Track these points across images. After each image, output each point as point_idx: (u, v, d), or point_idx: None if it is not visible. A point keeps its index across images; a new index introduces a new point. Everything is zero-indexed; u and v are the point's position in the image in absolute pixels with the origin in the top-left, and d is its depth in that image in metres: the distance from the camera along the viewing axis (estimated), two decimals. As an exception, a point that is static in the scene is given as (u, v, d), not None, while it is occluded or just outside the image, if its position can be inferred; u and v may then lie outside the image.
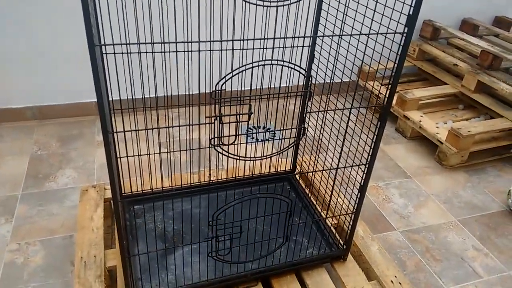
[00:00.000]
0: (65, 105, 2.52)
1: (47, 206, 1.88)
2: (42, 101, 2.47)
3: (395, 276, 1.52)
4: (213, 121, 0.98)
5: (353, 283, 1.47)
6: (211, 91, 0.92)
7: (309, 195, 1.79)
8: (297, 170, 1.91)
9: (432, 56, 2.90)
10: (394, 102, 2.71)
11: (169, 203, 1.69)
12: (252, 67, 0.94)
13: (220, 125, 1.00)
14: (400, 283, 1.49)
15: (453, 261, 1.79)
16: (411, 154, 2.54)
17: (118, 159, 1.58)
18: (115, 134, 1.44)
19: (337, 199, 1.63)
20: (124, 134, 1.18)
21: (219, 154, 1.40)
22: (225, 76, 0.93)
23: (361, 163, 1.33)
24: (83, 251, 1.50)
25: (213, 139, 1.03)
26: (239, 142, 1.11)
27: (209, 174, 1.92)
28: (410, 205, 2.11)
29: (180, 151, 1.58)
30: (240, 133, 1.34)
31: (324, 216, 1.61)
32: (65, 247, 1.68)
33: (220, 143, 1.05)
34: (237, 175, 1.82)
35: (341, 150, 1.41)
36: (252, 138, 2.49)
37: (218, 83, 0.93)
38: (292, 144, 1.20)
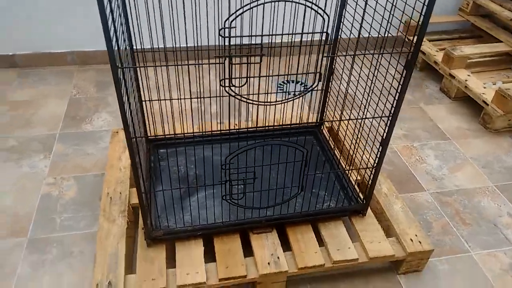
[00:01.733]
0: (104, 51, 2.58)
1: (83, 146, 1.98)
2: (81, 47, 2.55)
3: (416, 235, 1.47)
4: (222, 61, 0.95)
5: (370, 238, 1.45)
6: (219, 28, 0.89)
7: (334, 149, 1.75)
8: (324, 123, 1.86)
9: (488, 11, 2.65)
10: (440, 59, 2.54)
11: (192, 149, 1.72)
12: (265, 3, 0.89)
13: (230, 65, 0.98)
14: (420, 242, 1.45)
15: (484, 227, 1.70)
16: (453, 115, 2.39)
17: (144, 102, 1.62)
18: (144, 80, 1.46)
19: (363, 154, 1.57)
20: (146, 75, 1.19)
21: (248, 105, 1.38)
22: (235, 12, 0.89)
23: (383, 115, 1.27)
24: (110, 187, 1.58)
25: (223, 80, 1.01)
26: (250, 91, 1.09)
27: (235, 124, 1.92)
28: (445, 167, 2.00)
29: (204, 97, 1.58)
30: (271, 88, 1.31)
31: (345, 169, 1.57)
32: (96, 184, 1.78)
33: (230, 84, 1.03)
34: (264, 127, 1.80)
35: (367, 101, 1.34)
36: (283, 92, 2.44)
37: (227, 19, 0.90)
38: (314, 88, 1.15)
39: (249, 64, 0.99)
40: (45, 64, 2.55)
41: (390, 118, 1.26)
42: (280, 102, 1.14)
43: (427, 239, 1.47)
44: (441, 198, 1.83)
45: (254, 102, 1.08)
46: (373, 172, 1.41)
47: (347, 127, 1.63)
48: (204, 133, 1.75)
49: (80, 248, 1.52)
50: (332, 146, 1.75)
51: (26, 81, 2.43)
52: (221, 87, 1.01)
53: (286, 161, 1.25)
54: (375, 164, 1.39)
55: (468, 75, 2.38)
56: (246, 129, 1.80)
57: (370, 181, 1.43)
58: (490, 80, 2.39)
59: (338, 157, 1.68)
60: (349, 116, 1.46)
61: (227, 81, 1.01)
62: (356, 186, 1.59)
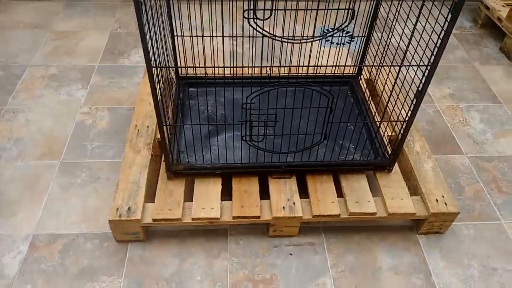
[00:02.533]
0: (147, -13, 2.55)
1: (118, 79, 2.02)
2: (126, -19, 2.53)
3: (442, 196, 1.40)
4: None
5: (392, 194, 1.40)
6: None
7: (369, 101, 1.66)
8: (363, 72, 1.76)
9: None
10: (504, 15, 2.29)
11: (222, 90, 1.70)
12: None
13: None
14: (445, 204, 1.38)
15: (521, 197, 1.59)
16: (510, 78, 2.18)
17: (176, 37, 1.59)
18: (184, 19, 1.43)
19: (396, 106, 1.48)
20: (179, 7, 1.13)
21: (286, 50, 1.31)
22: None
23: (421, 63, 1.17)
24: (138, 120, 1.61)
25: (246, 11, 0.95)
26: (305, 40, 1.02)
27: (268, 69, 1.86)
28: (489, 132, 1.86)
29: (236, 36, 1.53)
30: (315, 34, 1.23)
31: (376, 122, 1.50)
32: (127, 116, 1.82)
33: (255, 16, 0.97)
34: (298, 73, 1.74)
35: (407, 49, 1.24)
36: (327, 40, 2.32)
37: None
38: (355, 36, 1.07)
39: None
40: (90, -4, 2.58)
41: (428, 67, 1.16)
42: (307, 39, 1.07)
43: (454, 201, 1.39)
44: (478, 163, 1.72)
45: (277, 38, 1.02)
46: (403, 126, 1.33)
47: (386, 79, 1.52)
48: (235, 75, 1.72)
49: (107, 175, 1.59)
50: (368, 98, 1.66)
51: (71, 12, 2.47)
52: (244, 19, 0.96)
53: (310, 106, 1.20)
54: (406, 118, 1.30)
55: (534, 34, 2.13)
56: (278, 75, 1.74)
57: (400, 135, 1.35)
58: (558, 40, 2.13)
59: (373, 110, 1.60)
60: (389, 68, 1.36)
61: (251, 12, 0.96)
62: (386, 141, 1.51)
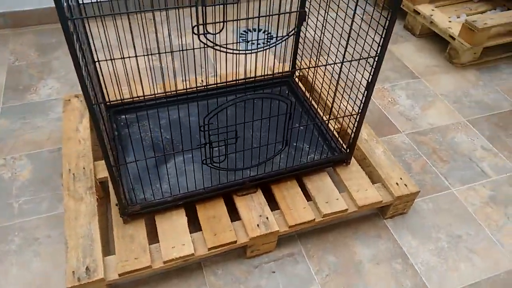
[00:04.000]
0: (39, 10, 2.27)
1: (31, 119, 1.76)
2: (13, 6, 2.22)
3: (401, 178, 1.45)
4: (194, 3, 0.80)
5: (356, 186, 1.41)
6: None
7: (310, 99, 1.66)
8: (297, 71, 1.75)
9: None
10: (403, -5, 2.45)
11: (159, 111, 1.57)
12: None
13: (204, 8, 0.83)
14: (405, 185, 1.43)
15: (460, 162, 1.72)
16: (419, 53, 2.35)
17: (97, 63, 1.43)
18: (96, 39, 1.27)
19: (340, 101, 1.50)
20: (97, 29, 1.00)
21: (214, 59, 1.23)
22: None
23: (369, 56, 1.18)
24: (71, 163, 1.42)
25: (196, 27, 0.86)
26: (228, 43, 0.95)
27: (202, 80, 1.77)
28: (417, 107, 1.98)
29: (164, 53, 1.41)
30: (233, 39, 1.17)
31: (326, 119, 1.50)
32: (53, 160, 1.60)
33: (205, 31, 0.88)
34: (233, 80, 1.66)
35: (340, 44, 1.24)
36: (247, 42, 2.29)
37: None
38: (292, 33, 1.03)
39: (225, 6, 0.84)
40: (-29, 29, 2.22)
41: (376, 59, 1.17)
42: (255, 50, 1.01)
43: (412, 181, 1.45)
44: (416, 138, 1.82)
45: (228, 51, 0.94)
46: (357, 120, 1.33)
47: (324, 75, 1.53)
48: (168, 93, 1.59)
49: (46, 233, 1.37)
50: (308, 96, 1.66)
51: (-50, 50, 2.11)
52: (194, 35, 0.87)
53: (270, 116, 1.15)
54: (359, 111, 1.31)
55: (433, 10, 2.32)
56: (215, 85, 1.66)
57: (354, 129, 1.36)
58: (454, 13, 2.35)
59: (316, 107, 1.59)
60: (326, 62, 1.36)
61: (201, 27, 0.86)
62: (337, 136, 1.52)
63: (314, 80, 1.70)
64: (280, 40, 0.99)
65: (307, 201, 1.36)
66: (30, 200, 1.46)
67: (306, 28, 1.41)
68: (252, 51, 1.03)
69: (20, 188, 1.50)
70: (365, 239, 1.43)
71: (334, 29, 1.34)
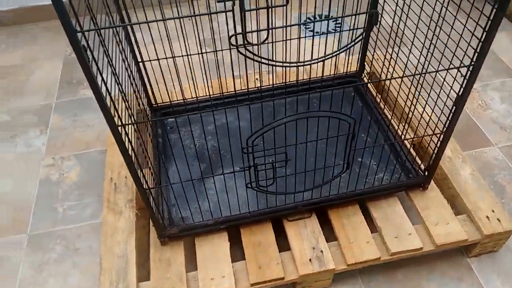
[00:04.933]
0: (99, -2, 2.21)
1: (82, 116, 1.71)
2: (73, -5, 2.19)
3: (492, 211, 1.17)
4: (231, 8, 0.62)
5: (435, 218, 1.16)
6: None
7: (380, 103, 1.41)
8: (365, 72, 1.50)
9: None
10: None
11: (207, 115, 1.42)
12: None
13: (243, 14, 0.64)
14: (498, 220, 1.15)
15: None
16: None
17: (141, 63, 1.30)
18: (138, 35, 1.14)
19: (421, 113, 1.24)
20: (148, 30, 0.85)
21: (267, 52, 1.04)
22: None
23: (462, 65, 0.92)
24: (113, 171, 1.33)
25: (233, 37, 0.68)
26: (274, 40, 0.75)
27: (256, 79, 1.59)
28: (515, 113, 1.64)
29: (213, 51, 1.25)
30: (292, 23, 0.97)
31: (401, 134, 1.25)
32: (101, 162, 1.53)
33: (245, 42, 0.70)
34: (288, 81, 1.46)
35: (432, 42, 0.98)
36: (310, 31, 2.05)
37: None
38: (360, 37, 0.81)
39: (270, 9, 0.65)
40: (35, 19, 2.22)
41: (470, 69, 0.91)
42: (318, 60, 0.81)
43: (506, 214, 1.16)
44: (513, 154, 1.50)
45: (276, 64, 0.75)
46: (441, 139, 1.08)
47: (401, 79, 1.27)
48: (222, 94, 1.44)
49: (88, 243, 1.31)
50: (379, 100, 1.41)
51: (15, 41, 2.13)
52: (232, 47, 0.69)
53: (327, 137, 0.94)
54: (444, 129, 1.06)
55: (543, -8, 1.90)
56: (271, 86, 1.47)
57: (436, 149, 1.11)
58: None
59: (389, 115, 1.35)
60: (403, 72, 1.11)
61: (239, 37, 0.68)
62: (412, 151, 1.27)
63: (388, 82, 1.44)
64: (345, 48, 0.78)
65: (372, 232, 1.15)
66: (74, 206, 1.40)
67: (381, 14, 1.15)
68: (312, 62, 0.83)
69: (66, 191, 1.44)
70: (443, 281, 1.18)
71: (417, 20, 1.08)
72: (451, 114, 1.01)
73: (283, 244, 1.14)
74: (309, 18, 2.14)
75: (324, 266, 1.08)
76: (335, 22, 2.14)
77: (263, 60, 0.75)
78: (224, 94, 1.45)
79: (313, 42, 0.93)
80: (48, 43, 2.09)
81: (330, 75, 1.48)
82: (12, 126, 1.68)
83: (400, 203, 1.21)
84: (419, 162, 1.24)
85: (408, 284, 1.18)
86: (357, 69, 1.49)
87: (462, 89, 0.95)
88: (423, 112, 1.14)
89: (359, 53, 1.44)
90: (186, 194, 1.06)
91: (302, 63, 0.83)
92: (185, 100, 1.41)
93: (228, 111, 1.41)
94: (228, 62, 1.59)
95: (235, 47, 0.69)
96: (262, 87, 1.46)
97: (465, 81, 0.93)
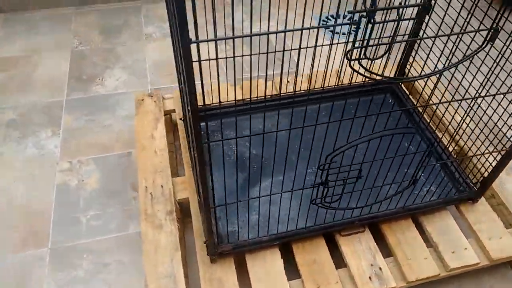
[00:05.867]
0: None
1: (97, 115, 1.59)
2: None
3: (543, 225, 1.16)
4: (357, 20, 0.54)
5: (487, 233, 1.14)
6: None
7: (422, 111, 1.38)
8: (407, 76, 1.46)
9: None
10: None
11: (244, 119, 1.35)
12: None
13: (372, 20, 0.57)
14: (550, 235, 1.15)
15: None
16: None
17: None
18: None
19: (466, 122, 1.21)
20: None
21: (291, 54, 0.98)
22: None
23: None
24: (148, 179, 1.23)
25: (350, 52, 0.61)
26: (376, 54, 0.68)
27: (288, 81, 1.52)
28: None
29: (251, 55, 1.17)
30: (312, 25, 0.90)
31: (465, 156, 1.22)
32: (122, 167, 1.42)
33: (361, 56, 0.63)
34: (321, 86, 1.40)
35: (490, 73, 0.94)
36: (332, 31, 2.00)
37: None
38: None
39: (399, 23, 0.59)
40: (35, 6, 2.05)
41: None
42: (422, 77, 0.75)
43: (557, 228, 1.16)
44: (544, 164, 1.50)
45: (391, 79, 0.69)
46: (504, 155, 1.05)
47: (444, 91, 1.24)
48: (258, 99, 1.36)
49: (118, 257, 1.21)
50: (419, 107, 1.38)
51: (13, 31, 1.95)
52: (349, 65, 0.62)
53: (405, 153, 0.89)
54: (510, 146, 1.03)
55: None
56: (306, 91, 1.41)
57: (496, 165, 1.08)
58: None
59: (433, 128, 1.31)
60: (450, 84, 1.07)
61: (356, 52, 0.61)
62: (460, 165, 1.25)
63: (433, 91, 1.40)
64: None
65: (427, 247, 1.12)
66: (98, 216, 1.30)
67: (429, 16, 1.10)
68: (417, 78, 0.77)
69: (88, 199, 1.33)
70: (492, 296, 1.17)
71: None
72: (522, 130, 0.98)
73: (337, 261, 1.09)
74: (331, 17, 2.08)
75: (385, 284, 1.04)
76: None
77: (378, 77, 0.68)
78: (253, 99, 1.38)
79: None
80: (49, 33, 1.93)
81: (365, 80, 1.44)
82: (20, 125, 1.54)
83: (452, 215, 1.18)
84: (470, 176, 1.22)
85: (458, 299, 1.16)
86: (396, 74, 1.45)
87: (539, 106, 0.92)
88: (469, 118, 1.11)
89: (402, 57, 1.40)
90: (229, 208, 0.99)
91: (415, 78, 0.77)
92: (221, 104, 1.33)
93: (260, 117, 1.35)
94: (246, 63, 1.51)
95: (350, 60, 0.62)
96: (296, 92, 1.39)
97: (545, 98, 0.91)
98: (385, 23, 0.59)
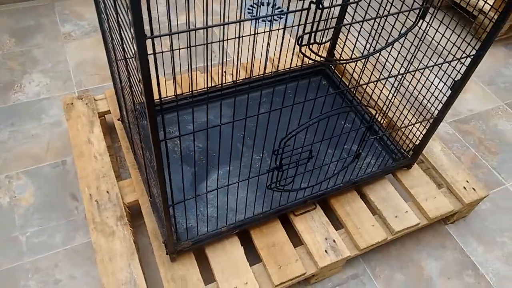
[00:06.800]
0: (9, -15, 1.89)
1: (22, 125, 1.47)
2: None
3: (467, 181, 1.30)
4: (307, 7, 0.57)
5: (423, 195, 1.25)
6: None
7: (354, 91, 1.46)
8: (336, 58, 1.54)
9: None
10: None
11: (186, 114, 1.33)
12: None
13: (319, 13, 0.59)
14: (474, 189, 1.29)
15: (509, 153, 1.60)
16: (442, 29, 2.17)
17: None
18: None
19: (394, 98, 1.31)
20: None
21: (222, 44, 0.99)
22: None
23: (465, 55, 0.99)
24: (91, 186, 1.17)
25: (300, 38, 0.63)
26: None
27: (224, 71, 1.52)
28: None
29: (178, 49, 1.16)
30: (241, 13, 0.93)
31: (401, 127, 1.31)
32: (58, 177, 1.33)
33: (310, 41, 0.66)
34: (258, 74, 1.43)
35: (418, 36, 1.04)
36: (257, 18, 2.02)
37: None
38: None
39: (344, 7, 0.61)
40: None
41: (472, 58, 0.99)
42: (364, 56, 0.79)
43: (479, 183, 1.31)
44: (460, 127, 1.68)
45: (332, 62, 0.72)
46: (431, 123, 1.16)
47: (373, 69, 1.32)
48: (196, 91, 1.35)
49: (68, 273, 1.14)
50: (352, 87, 1.46)
51: None
52: (299, 47, 0.64)
53: (350, 130, 0.95)
54: (436, 114, 1.14)
55: (457, -20, 2.13)
56: (242, 80, 1.42)
57: (426, 133, 1.19)
58: (480, -16, 2.17)
59: (361, 98, 1.40)
60: (385, 75, 1.15)
61: (306, 37, 0.64)
62: (394, 136, 1.35)
63: (362, 70, 1.49)
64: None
65: (372, 214, 1.20)
66: (39, 232, 1.21)
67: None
68: (361, 57, 0.81)
69: (25, 216, 1.23)
70: (431, 250, 1.29)
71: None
72: (448, 98, 1.09)
73: (294, 240, 1.13)
74: (255, 4, 2.10)
75: (340, 255, 1.10)
76: (277, 9, 2.14)
77: (322, 60, 0.71)
78: (194, 91, 1.36)
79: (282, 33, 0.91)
80: (-50, 40, 1.73)
81: (297, 66, 1.49)
82: None
83: (391, 183, 1.28)
84: (404, 146, 1.32)
85: (403, 258, 1.26)
86: (327, 56, 1.51)
87: (462, 75, 1.03)
88: (417, 100, 1.20)
89: (330, 41, 1.46)
90: (186, 203, 0.98)
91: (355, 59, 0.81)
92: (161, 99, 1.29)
93: (203, 110, 1.34)
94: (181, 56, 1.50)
95: (300, 46, 0.64)
96: (236, 82, 1.40)
97: (465, 68, 1.01)
98: (330, 8, 0.62)
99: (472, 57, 0.99)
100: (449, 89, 1.08)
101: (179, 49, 1.05)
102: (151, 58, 0.57)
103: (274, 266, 1.06)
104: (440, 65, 1.04)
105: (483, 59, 0.99)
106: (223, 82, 1.42)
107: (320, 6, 0.58)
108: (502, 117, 1.74)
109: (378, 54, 0.91)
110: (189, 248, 1.03)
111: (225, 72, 1.51)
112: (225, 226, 1.06)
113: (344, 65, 1.55)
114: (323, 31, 0.66)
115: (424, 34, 1.00)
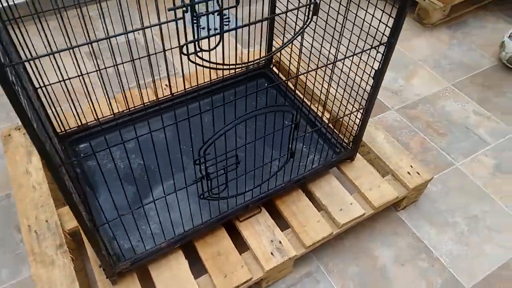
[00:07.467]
0: None
1: (-38, 162, 1.44)
2: None
3: (411, 166, 1.31)
4: (180, 17, 0.57)
5: (367, 185, 1.26)
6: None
7: (294, 90, 1.46)
8: (274, 62, 1.54)
9: None
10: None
11: (126, 132, 1.32)
12: None
13: (196, 20, 0.60)
14: (418, 173, 1.30)
15: (457, 133, 1.62)
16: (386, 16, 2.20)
17: (39, 89, 1.14)
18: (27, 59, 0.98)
19: (342, 94, 1.32)
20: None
21: (165, 56, 0.99)
22: None
23: (381, 43, 1.00)
24: (29, 217, 1.14)
25: (185, 46, 0.63)
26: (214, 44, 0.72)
27: (165, 86, 1.51)
28: (400, 77, 1.85)
29: (121, 63, 1.15)
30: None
31: (323, 116, 1.32)
32: (4, 210, 1.31)
33: (196, 49, 0.66)
34: (201, 83, 1.42)
35: (345, 18, 1.05)
36: (199, 26, 2.02)
37: None
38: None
39: (222, 12, 0.62)
40: None
41: (387, 45, 1.00)
42: (252, 62, 0.79)
43: (423, 167, 1.32)
44: (407, 113, 1.69)
45: (225, 67, 0.72)
46: (363, 113, 1.17)
47: (309, 62, 1.33)
48: (135, 107, 1.34)
49: (15, 308, 1.12)
50: (292, 87, 1.46)
51: None
52: (183, 56, 0.64)
53: (274, 131, 0.95)
54: (365, 104, 1.14)
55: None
56: (183, 91, 1.41)
57: (360, 123, 1.20)
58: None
59: (308, 102, 1.40)
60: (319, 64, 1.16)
61: (191, 46, 0.63)
62: (336, 130, 1.35)
63: (298, 67, 1.50)
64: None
65: (318, 211, 1.20)
66: (-16, 269, 1.18)
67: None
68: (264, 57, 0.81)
69: (-32, 255, 1.21)
70: (383, 238, 1.30)
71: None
72: (372, 88, 1.10)
73: (241, 246, 1.12)
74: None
75: (286, 255, 1.09)
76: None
77: (218, 66, 0.71)
78: (131, 109, 1.35)
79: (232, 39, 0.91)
80: None
81: (239, 71, 1.49)
82: None
83: (335, 177, 1.28)
84: (343, 138, 1.33)
85: (356, 250, 1.27)
86: (265, 60, 1.52)
87: (380, 64, 1.04)
88: (337, 88, 1.21)
89: (266, 44, 1.46)
90: (123, 223, 0.97)
91: (251, 63, 0.81)
92: (99, 120, 1.28)
93: (144, 126, 1.33)
94: (125, 74, 1.48)
95: (186, 55, 0.64)
96: (174, 94, 1.39)
97: (383, 57, 1.02)
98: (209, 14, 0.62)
99: (385, 44, 1.00)
100: (371, 78, 1.09)
101: (122, 63, 1.03)
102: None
103: (220, 275, 1.05)
104: (359, 55, 1.04)
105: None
106: (163, 95, 1.41)
107: (195, 14, 0.58)
108: (449, 98, 1.76)
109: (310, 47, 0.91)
110: (128, 269, 1.01)
111: (166, 85, 1.51)
112: (164, 242, 1.05)
113: (279, 63, 1.56)
114: (212, 37, 0.65)
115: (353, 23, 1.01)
